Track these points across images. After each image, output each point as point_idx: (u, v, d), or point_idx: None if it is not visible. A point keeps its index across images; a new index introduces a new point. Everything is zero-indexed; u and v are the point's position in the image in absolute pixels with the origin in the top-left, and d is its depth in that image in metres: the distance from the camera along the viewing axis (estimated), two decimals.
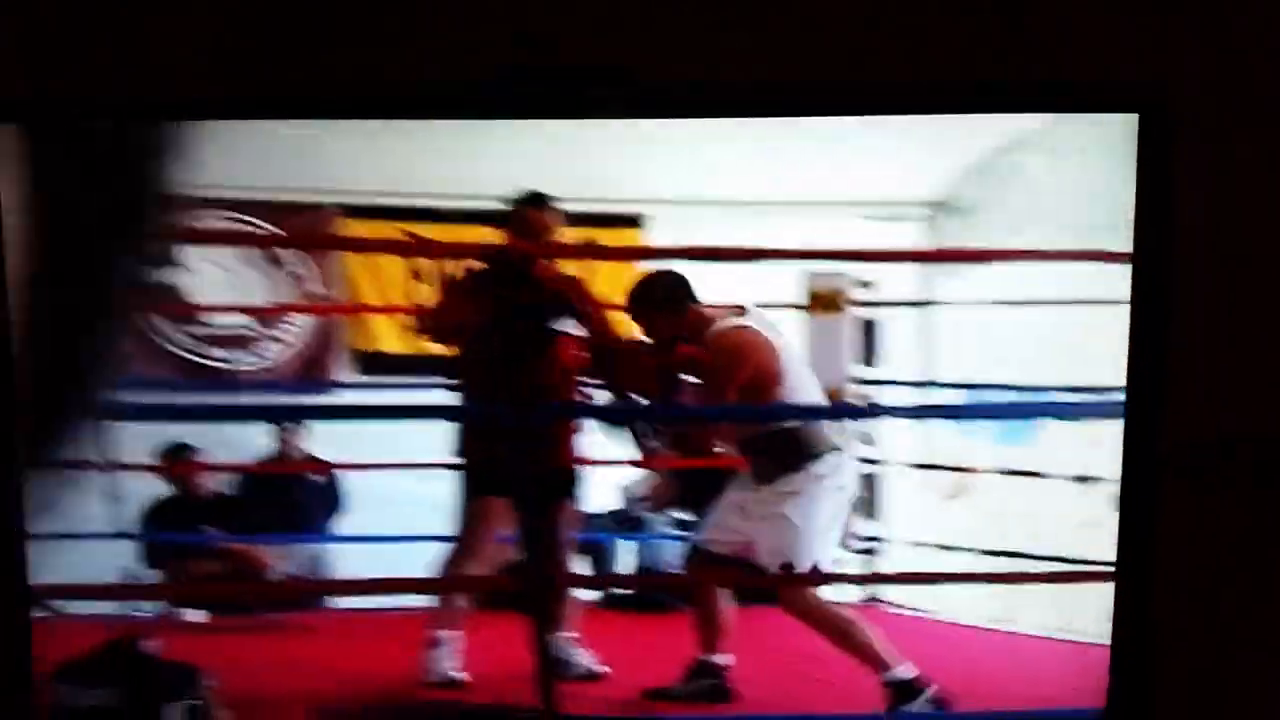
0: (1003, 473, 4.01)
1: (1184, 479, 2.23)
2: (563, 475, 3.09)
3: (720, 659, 2.97)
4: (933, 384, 3.97)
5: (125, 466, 3.13)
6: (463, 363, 2.95)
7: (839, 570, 3.66)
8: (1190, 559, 2.28)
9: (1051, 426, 3.92)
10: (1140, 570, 2.20)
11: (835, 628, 2.87)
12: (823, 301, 3.59)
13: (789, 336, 3.10)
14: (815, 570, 2.90)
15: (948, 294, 3.91)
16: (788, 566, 2.87)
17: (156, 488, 3.42)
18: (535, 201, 2.88)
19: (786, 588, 2.89)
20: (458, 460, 2.98)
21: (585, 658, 3.05)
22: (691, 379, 2.97)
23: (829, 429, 3.01)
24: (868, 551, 3.96)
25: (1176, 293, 2.15)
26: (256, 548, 3.45)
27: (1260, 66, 2.22)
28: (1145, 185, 2.11)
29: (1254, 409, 2.31)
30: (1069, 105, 2.26)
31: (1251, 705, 2.35)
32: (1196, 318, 2.22)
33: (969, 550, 4.01)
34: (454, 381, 2.99)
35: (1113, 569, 2.24)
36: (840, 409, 3.41)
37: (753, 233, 3.49)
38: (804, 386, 2.97)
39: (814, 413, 3.04)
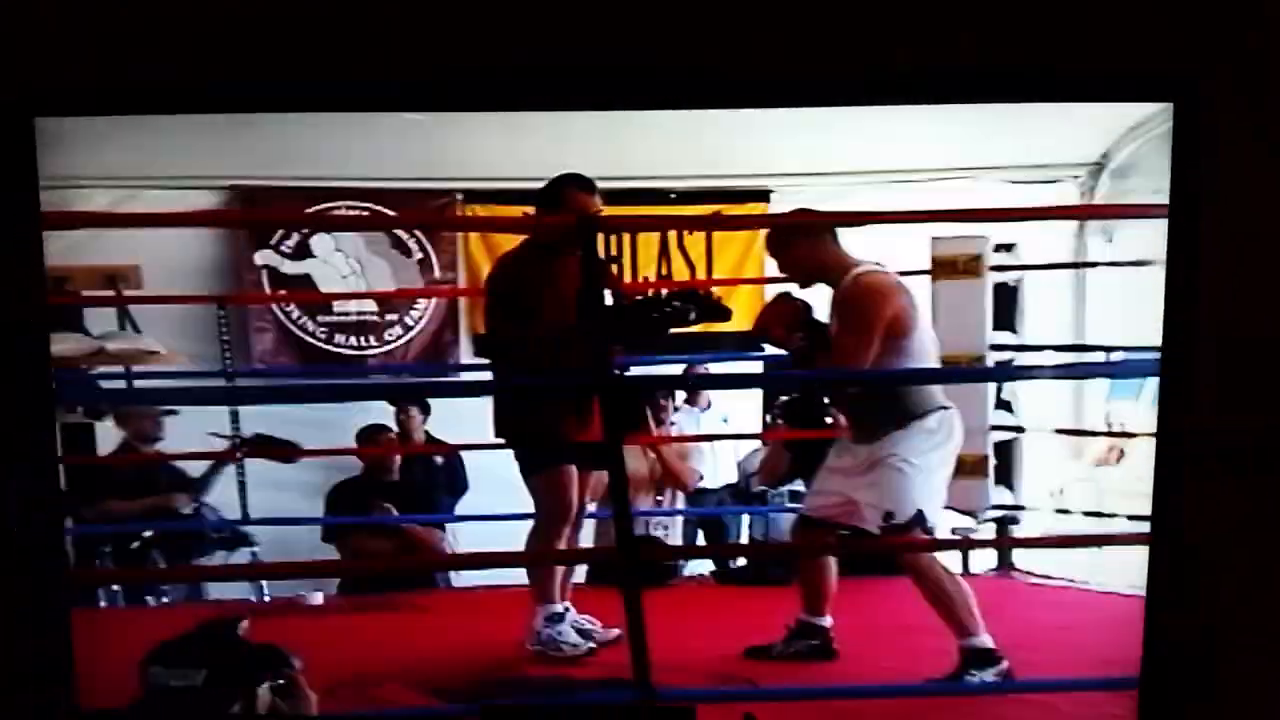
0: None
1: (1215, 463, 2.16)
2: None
3: (822, 620, 2.96)
4: (1081, 347, 3.78)
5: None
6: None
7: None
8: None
9: None
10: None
11: (936, 584, 2.84)
12: (958, 266, 3.47)
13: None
14: (920, 521, 2.87)
15: (1098, 255, 3.71)
16: (889, 515, 2.78)
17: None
18: (580, 183, 2.82)
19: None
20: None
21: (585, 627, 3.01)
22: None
23: (936, 388, 2.95)
24: (1008, 521, 3.87)
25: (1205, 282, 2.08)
26: (427, 528, 3.58)
27: None
28: (1179, 173, 2.05)
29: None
30: (1103, 95, 2.24)
31: None
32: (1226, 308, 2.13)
33: (1115, 516, 3.90)
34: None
35: None
36: (974, 372, 3.33)
37: (894, 203, 3.41)
38: (929, 341, 2.89)
39: (948, 375, 2.98)
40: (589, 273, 2.63)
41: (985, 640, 2.73)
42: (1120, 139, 3.55)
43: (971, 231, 3.43)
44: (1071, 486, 4.12)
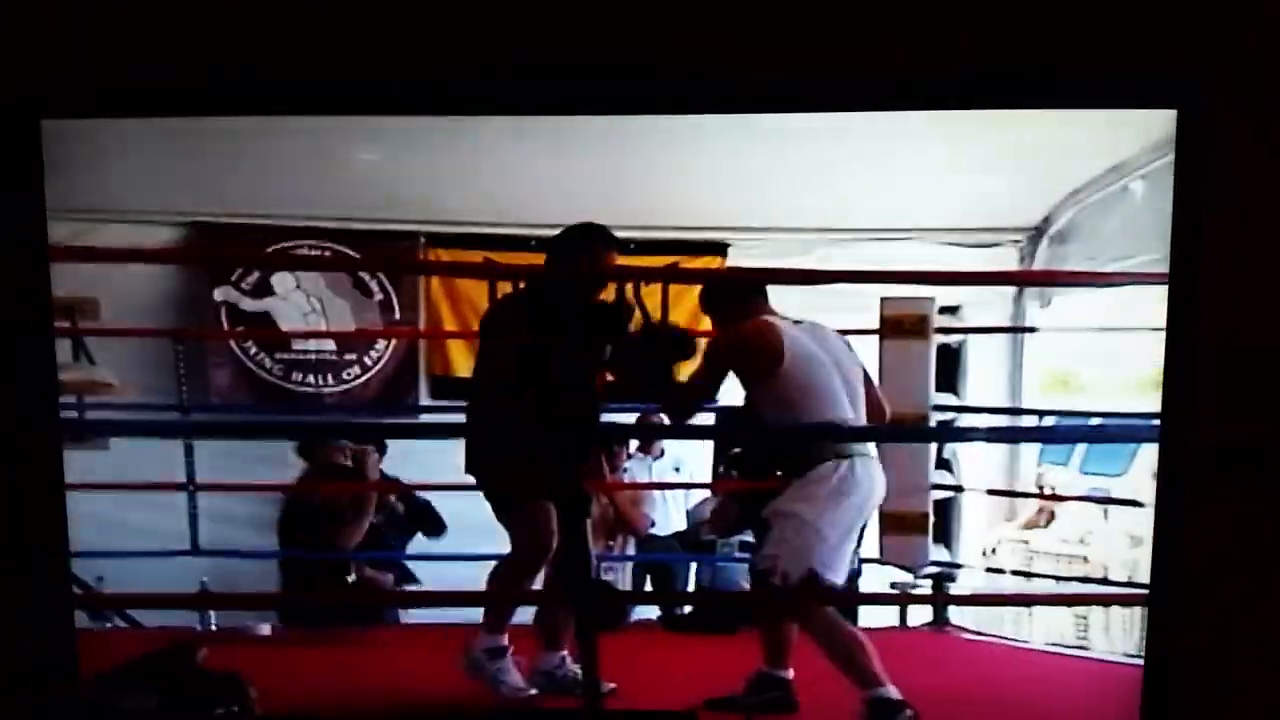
0: (1093, 500, 3.99)
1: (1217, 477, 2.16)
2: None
3: (784, 672, 2.94)
4: (1015, 410, 3.92)
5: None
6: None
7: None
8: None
9: (1142, 457, 3.86)
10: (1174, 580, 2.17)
11: (833, 638, 2.87)
12: (904, 326, 3.57)
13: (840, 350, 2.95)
14: (814, 579, 2.84)
15: (1037, 320, 3.86)
16: (784, 575, 2.78)
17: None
18: (604, 238, 2.93)
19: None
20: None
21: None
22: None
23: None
24: (943, 578, 3.96)
25: (1206, 295, 2.09)
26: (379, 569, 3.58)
27: None
28: (1182, 179, 2.07)
29: None
30: (1103, 99, 2.18)
31: None
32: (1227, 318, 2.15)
33: (1047, 577, 4.01)
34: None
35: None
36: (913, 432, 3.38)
37: (840, 261, 3.47)
38: (819, 391, 2.86)
39: (887, 434, 2.99)
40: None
41: (890, 691, 2.75)
42: (1061, 203, 3.69)
43: (919, 293, 3.57)
44: (1003, 546, 4.25)
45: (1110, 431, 3.70)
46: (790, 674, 2.94)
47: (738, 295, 2.92)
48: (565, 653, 2.95)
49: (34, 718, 2.05)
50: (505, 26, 2.10)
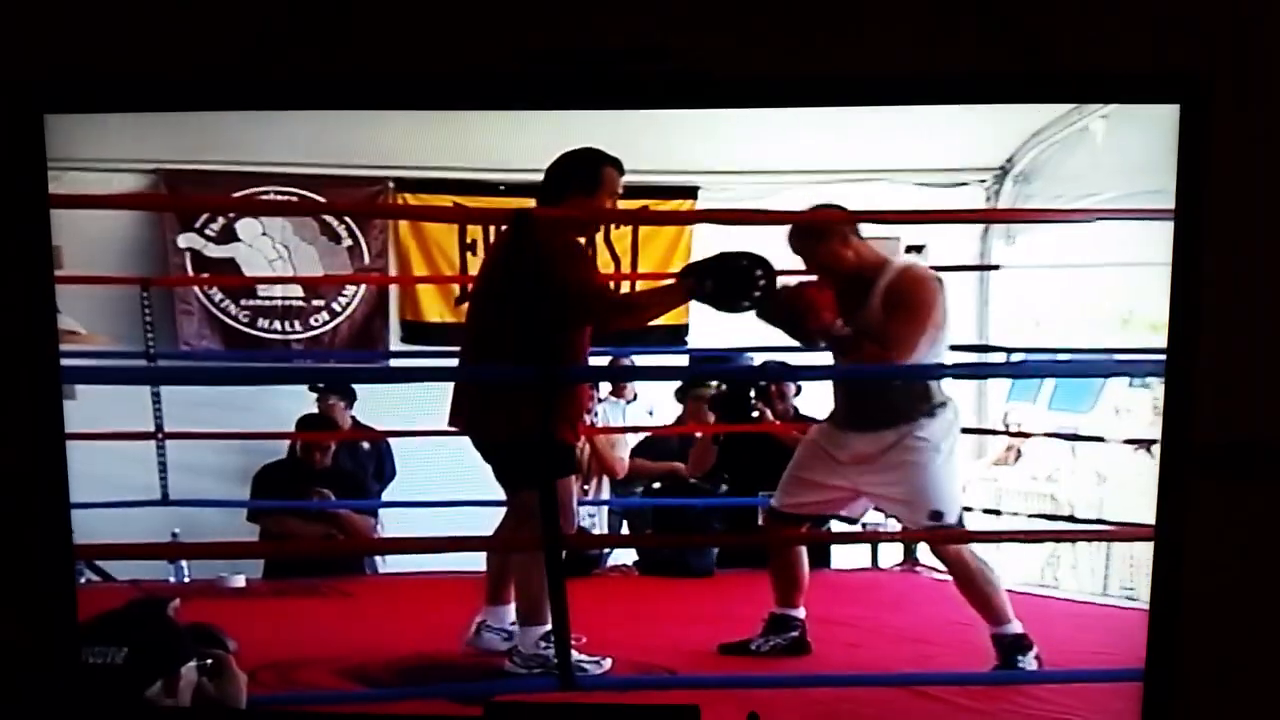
0: (1060, 437, 4.03)
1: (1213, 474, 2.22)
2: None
3: (796, 612, 3.02)
4: (983, 348, 3.95)
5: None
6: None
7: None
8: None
9: (1108, 394, 3.91)
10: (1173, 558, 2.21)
11: (971, 575, 2.89)
12: None
13: None
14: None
15: (1004, 259, 3.89)
16: (936, 515, 2.86)
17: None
18: (616, 164, 2.83)
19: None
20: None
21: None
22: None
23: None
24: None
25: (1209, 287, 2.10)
26: (361, 515, 3.57)
27: None
28: (1185, 174, 2.07)
29: None
30: (1109, 96, 2.31)
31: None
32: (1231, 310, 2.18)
33: (1016, 514, 4.07)
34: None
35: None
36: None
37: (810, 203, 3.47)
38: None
39: (865, 372, 2.97)
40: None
41: (1017, 626, 2.85)
42: (1024, 144, 3.73)
43: (885, 233, 3.59)
44: (973, 485, 4.30)
45: (1079, 366, 3.75)
46: (802, 613, 3.00)
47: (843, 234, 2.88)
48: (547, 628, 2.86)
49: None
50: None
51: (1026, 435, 4.17)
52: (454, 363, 3.07)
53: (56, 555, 2.30)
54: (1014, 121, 3.59)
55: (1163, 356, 2.15)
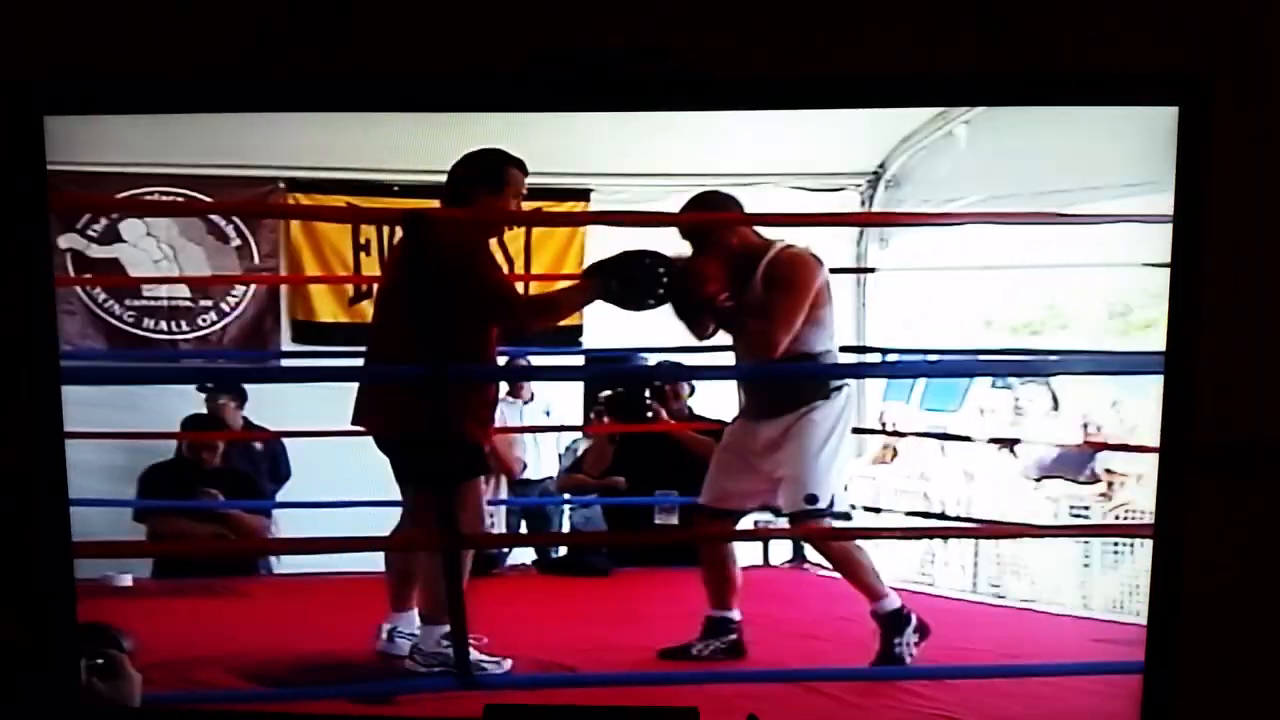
0: (932, 436, 4.19)
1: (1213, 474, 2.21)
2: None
3: (731, 613, 3.02)
4: (861, 349, 4.10)
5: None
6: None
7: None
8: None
9: (973, 394, 4.10)
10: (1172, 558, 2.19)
11: (849, 552, 2.95)
12: None
13: None
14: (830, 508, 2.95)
15: (879, 262, 4.06)
16: (811, 499, 2.91)
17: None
18: (518, 163, 2.85)
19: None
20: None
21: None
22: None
23: None
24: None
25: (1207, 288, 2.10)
26: (253, 514, 3.48)
27: None
28: (1185, 174, 2.07)
29: None
30: (1109, 96, 2.22)
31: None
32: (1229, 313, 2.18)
33: (895, 512, 4.20)
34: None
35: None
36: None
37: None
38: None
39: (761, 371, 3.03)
40: None
41: (895, 600, 2.91)
42: (894, 150, 3.92)
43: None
44: (853, 483, 4.43)
45: (948, 366, 3.93)
46: (738, 615, 3.01)
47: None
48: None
49: None
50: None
51: (902, 434, 4.36)
52: (349, 362, 3.06)
53: (56, 555, 2.25)
54: (887, 126, 3.76)
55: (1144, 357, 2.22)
